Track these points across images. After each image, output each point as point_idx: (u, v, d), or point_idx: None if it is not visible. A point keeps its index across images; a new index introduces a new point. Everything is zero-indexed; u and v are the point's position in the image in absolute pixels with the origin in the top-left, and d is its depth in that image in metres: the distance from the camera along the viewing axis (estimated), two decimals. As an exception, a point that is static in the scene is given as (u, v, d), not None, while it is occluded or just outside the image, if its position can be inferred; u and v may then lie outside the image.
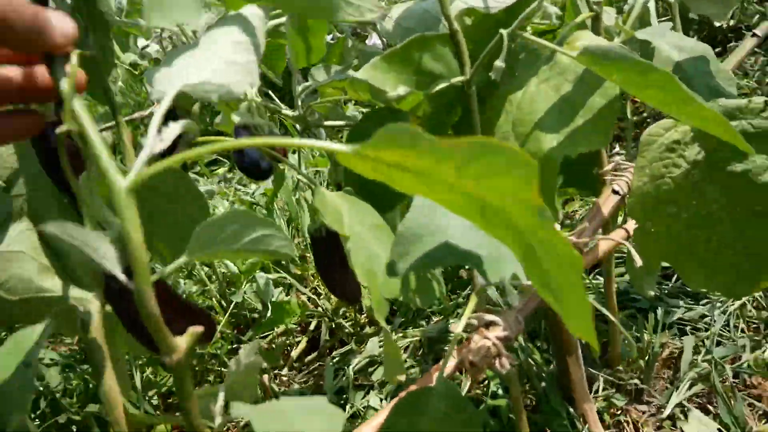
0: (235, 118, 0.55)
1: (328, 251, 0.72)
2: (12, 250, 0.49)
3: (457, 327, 0.55)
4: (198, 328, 0.35)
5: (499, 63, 0.52)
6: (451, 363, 0.57)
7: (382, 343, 1.06)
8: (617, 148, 0.78)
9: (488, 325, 0.59)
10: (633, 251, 0.66)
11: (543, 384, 0.91)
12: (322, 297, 1.21)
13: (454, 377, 1.01)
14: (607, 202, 0.73)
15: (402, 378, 0.56)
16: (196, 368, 1.09)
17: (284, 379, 1.08)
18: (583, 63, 0.46)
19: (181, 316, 0.41)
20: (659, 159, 0.65)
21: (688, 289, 1.13)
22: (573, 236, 0.67)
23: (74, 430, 0.90)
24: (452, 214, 0.40)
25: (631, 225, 0.75)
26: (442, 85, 0.54)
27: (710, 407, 0.93)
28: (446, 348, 1.07)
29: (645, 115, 1.81)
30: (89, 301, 0.44)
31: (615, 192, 0.74)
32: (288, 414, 0.35)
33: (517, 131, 0.56)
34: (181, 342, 0.33)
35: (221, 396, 0.44)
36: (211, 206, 1.43)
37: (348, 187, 0.59)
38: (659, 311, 1.04)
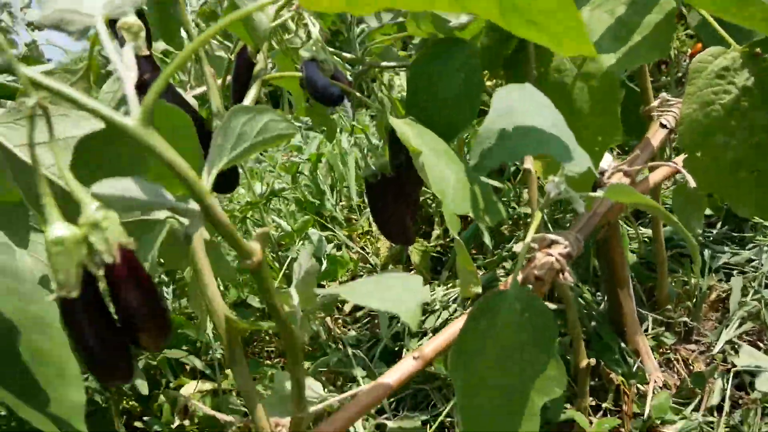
0: (305, 53, 0.60)
1: (384, 194, 0.75)
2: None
3: (522, 245, 0.58)
4: (265, 229, 0.38)
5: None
6: (519, 277, 0.61)
7: (433, 291, 1.10)
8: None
9: (550, 244, 0.63)
10: (687, 174, 0.68)
11: (593, 323, 0.94)
12: (370, 254, 1.25)
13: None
14: (655, 136, 0.75)
15: (478, 289, 0.59)
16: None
17: (338, 330, 1.13)
18: (639, -21, 0.48)
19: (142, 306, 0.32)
20: (709, 86, 0.67)
21: (734, 234, 1.14)
22: (625, 165, 0.70)
23: (150, 373, 0.96)
24: (528, 112, 0.43)
25: (680, 160, 0.77)
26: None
27: (761, 344, 0.95)
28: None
29: (679, 75, 1.80)
30: (192, 211, 0.48)
31: (663, 126, 0.76)
32: (371, 284, 0.39)
33: (573, 57, 0.59)
34: (256, 246, 0.36)
35: (295, 296, 0.48)
36: (255, 173, 1.48)
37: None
38: (706, 255, 1.06)
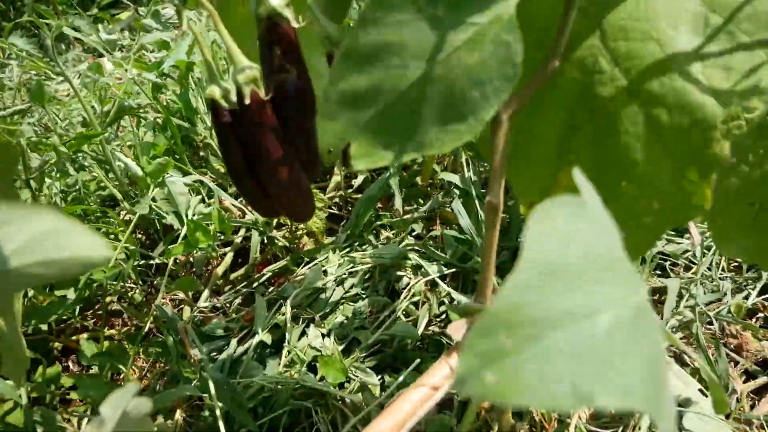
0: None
1: (250, 136, 0.45)
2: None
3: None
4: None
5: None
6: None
7: (326, 260, 0.88)
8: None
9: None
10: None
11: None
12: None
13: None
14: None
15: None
16: (104, 297, 0.88)
17: (205, 306, 0.90)
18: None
19: None
20: None
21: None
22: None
23: None
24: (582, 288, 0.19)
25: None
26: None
27: (686, 357, 0.85)
28: (401, 274, 0.92)
29: None
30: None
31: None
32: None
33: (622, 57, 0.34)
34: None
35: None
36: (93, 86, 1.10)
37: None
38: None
